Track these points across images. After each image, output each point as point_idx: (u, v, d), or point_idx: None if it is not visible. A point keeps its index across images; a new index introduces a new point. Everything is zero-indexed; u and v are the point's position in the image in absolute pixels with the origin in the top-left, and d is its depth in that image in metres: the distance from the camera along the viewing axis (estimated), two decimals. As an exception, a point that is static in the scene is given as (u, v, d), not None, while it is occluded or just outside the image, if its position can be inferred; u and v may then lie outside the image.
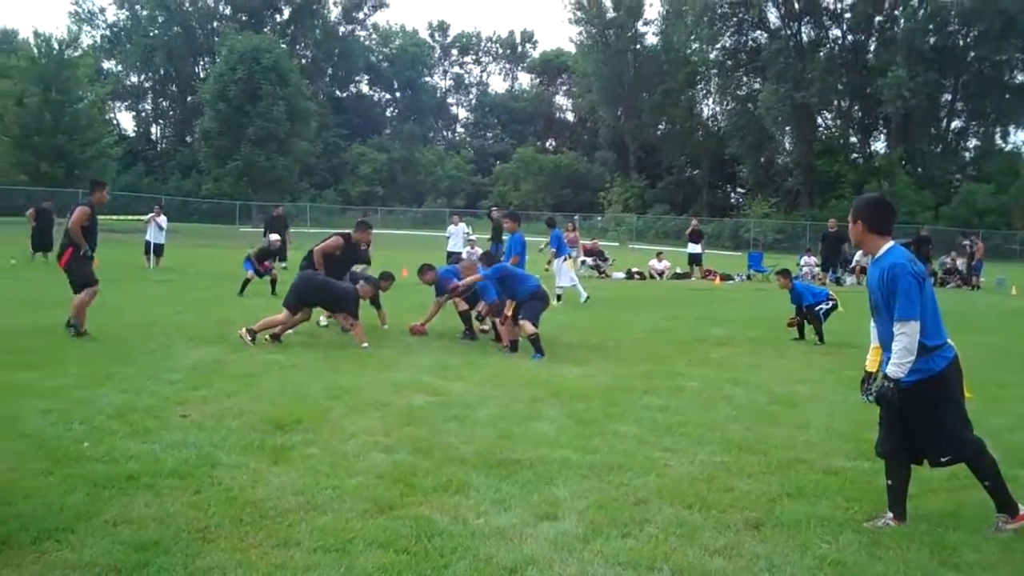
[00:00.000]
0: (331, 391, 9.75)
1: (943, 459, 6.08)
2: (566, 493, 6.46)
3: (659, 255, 36.13)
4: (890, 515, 6.05)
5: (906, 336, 5.73)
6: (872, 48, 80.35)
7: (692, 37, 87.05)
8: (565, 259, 23.60)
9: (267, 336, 13.35)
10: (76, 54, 69.39)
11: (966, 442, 5.97)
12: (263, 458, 7.07)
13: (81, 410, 8.39)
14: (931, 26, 74.67)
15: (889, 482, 6.12)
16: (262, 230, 32.03)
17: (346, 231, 15.61)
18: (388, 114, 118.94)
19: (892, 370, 5.79)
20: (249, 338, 13.01)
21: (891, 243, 6.03)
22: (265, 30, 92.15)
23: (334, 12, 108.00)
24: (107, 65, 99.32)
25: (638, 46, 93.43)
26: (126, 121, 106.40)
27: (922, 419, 5.94)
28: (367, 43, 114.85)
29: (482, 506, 6.13)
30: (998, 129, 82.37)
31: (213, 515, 5.72)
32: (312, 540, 5.36)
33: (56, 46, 65.83)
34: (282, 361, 11.69)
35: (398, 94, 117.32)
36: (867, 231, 6.07)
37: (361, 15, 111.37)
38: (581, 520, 5.92)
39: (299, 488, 6.35)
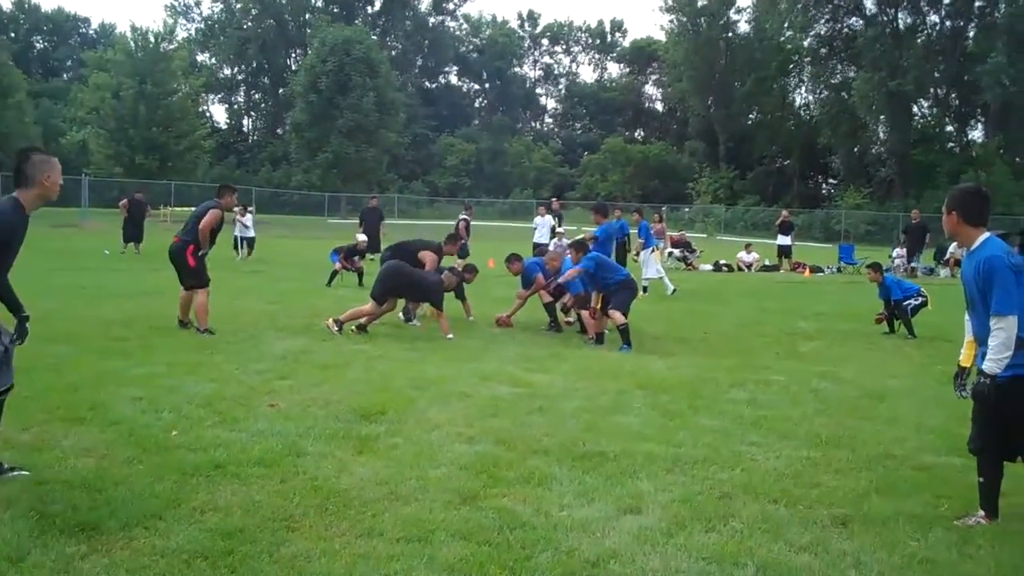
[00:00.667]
0: (416, 382, 9.80)
1: None
2: (650, 487, 6.43)
3: (748, 247, 35.79)
4: (981, 513, 5.92)
5: (1003, 331, 5.58)
6: (971, 34, 78.46)
7: (785, 24, 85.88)
8: (652, 250, 23.49)
9: (354, 327, 13.47)
10: (171, 47, 70.69)
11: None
12: (348, 448, 7.13)
13: (170, 398, 8.54)
14: (1033, 12, 72.82)
15: (981, 479, 5.98)
16: (357, 221, 32.31)
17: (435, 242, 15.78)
18: (477, 105, 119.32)
19: (988, 366, 5.65)
20: (336, 328, 13.14)
21: (987, 235, 5.87)
22: (356, 21, 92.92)
23: (424, 3, 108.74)
24: (201, 58, 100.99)
25: (730, 34, 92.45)
26: (219, 113, 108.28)
27: (1018, 416, 5.78)
28: (457, 33, 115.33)
29: (565, 499, 6.11)
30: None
31: (298, 504, 5.78)
32: (395, 530, 5.39)
33: (152, 39, 67.10)
34: (368, 352, 11.79)
35: (487, 85, 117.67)
36: (962, 222, 5.91)
37: (451, 5, 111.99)
38: (665, 514, 5.88)
39: (383, 478, 6.39)
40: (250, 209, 32.19)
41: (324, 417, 8.05)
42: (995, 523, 5.84)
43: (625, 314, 13.25)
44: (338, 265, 21.01)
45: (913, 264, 33.04)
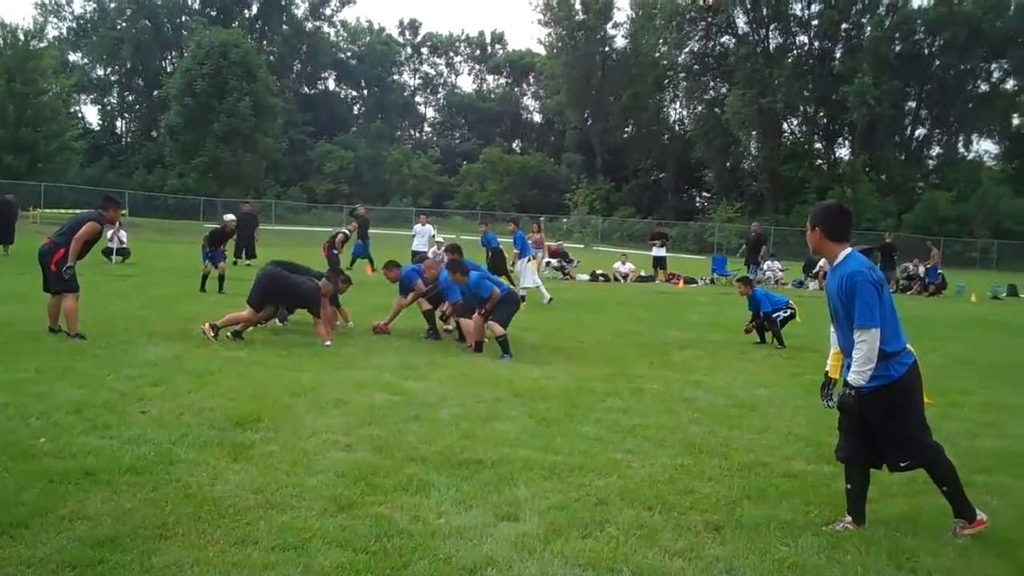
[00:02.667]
0: (292, 389, 9.70)
1: (902, 464, 6.12)
2: (527, 493, 6.47)
3: (624, 257, 36.20)
4: (849, 519, 6.08)
5: (866, 344, 5.75)
6: (838, 55, 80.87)
7: (660, 41, 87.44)
8: (529, 260, 23.63)
9: (229, 333, 13.28)
10: (41, 45, 68.70)
11: (925, 447, 6.01)
12: (222, 455, 7.03)
13: (38, 404, 8.32)
14: (897, 34, 75.35)
15: (848, 486, 6.15)
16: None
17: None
18: (355, 112, 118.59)
19: (853, 378, 5.83)
20: (212, 334, 12.95)
21: (849, 250, 6.04)
22: (234, 25, 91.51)
23: (302, 8, 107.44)
24: (73, 57, 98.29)
25: (606, 48, 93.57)
26: (91, 114, 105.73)
27: (882, 424, 5.97)
28: (335, 40, 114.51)
29: (442, 506, 6.12)
30: (961, 137, 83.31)
31: (170, 512, 5.68)
32: (270, 538, 5.33)
33: (21, 37, 65.15)
34: (243, 358, 11.63)
35: (365, 92, 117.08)
36: (825, 238, 6.08)
37: (329, 11, 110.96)
38: (542, 521, 5.92)
39: (258, 486, 6.31)
40: (124, 224, 31.44)
41: (198, 424, 7.92)
42: (862, 528, 6.00)
43: (504, 326, 13.31)
44: (207, 265, 20.47)
45: (751, 276, 33.45)
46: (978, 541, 5.90)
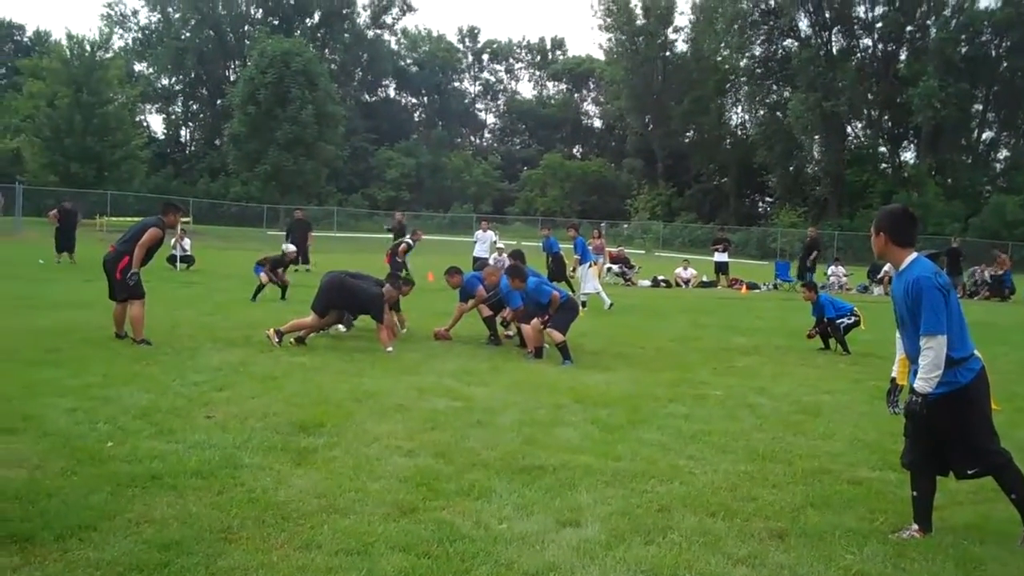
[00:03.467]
0: (355, 394, 9.76)
1: (970, 472, 6.02)
2: (589, 499, 6.45)
3: (686, 263, 36.05)
4: (915, 527, 6.00)
5: (933, 351, 5.68)
6: (903, 58, 80.00)
7: (722, 45, 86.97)
8: (590, 266, 23.58)
9: (292, 339, 13.39)
10: (108, 56, 69.68)
11: (993, 455, 5.91)
12: (286, 460, 7.08)
13: (106, 409, 8.45)
14: (963, 36, 74.36)
15: (915, 494, 6.07)
16: (284, 233, 32.19)
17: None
18: (416, 119, 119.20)
19: (920, 384, 5.75)
20: (276, 339, 13.06)
21: (915, 255, 5.97)
22: (296, 34, 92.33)
23: (363, 16, 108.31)
24: (138, 67, 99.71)
25: (667, 53, 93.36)
26: (156, 123, 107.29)
27: (949, 432, 5.89)
28: (396, 48, 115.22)
29: (504, 511, 6.11)
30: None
31: (235, 516, 5.74)
32: (333, 543, 5.36)
33: (88, 48, 66.13)
34: (307, 364, 11.72)
35: (426, 99, 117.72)
36: (890, 243, 6.00)
37: (389, 19, 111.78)
38: (604, 527, 5.90)
39: (321, 491, 6.35)
40: (187, 232, 31.82)
41: (262, 429, 7.99)
42: (929, 536, 5.93)
43: (564, 333, 13.30)
44: (263, 278, 20.57)
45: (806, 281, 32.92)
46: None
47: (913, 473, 6.10)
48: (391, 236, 31.98)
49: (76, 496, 5.95)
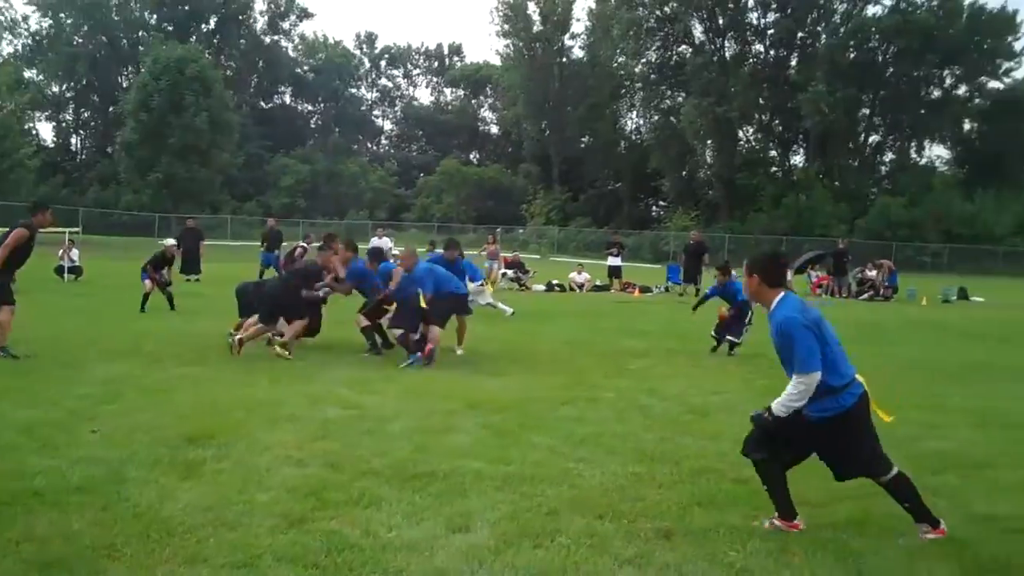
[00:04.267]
0: (246, 404, 9.67)
1: (853, 476, 6.22)
2: (479, 505, 6.50)
3: (580, 267, 36.28)
4: (776, 515, 6.23)
5: (804, 385, 5.92)
6: (794, 63, 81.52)
7: (618, 51, 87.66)
8: (481, 284, 23.45)
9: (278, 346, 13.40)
10: (-4, 62, 68.05)
11: (881, 464, 6.13)
12: (173, 474, 7.00)
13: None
14: (852, 42, 76.01)
15: (766, 487, 6.28)
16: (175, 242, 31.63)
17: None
18: (312, 125, 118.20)
19: (776, 407, 6.03)
20: (237, 348, 13.07)
21: (783, 294, 6.24)
22: (191, 40, 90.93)
23: (259, 22, 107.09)
24: (28, 74, 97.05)
25: (564, 60, 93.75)
26: (45, 131, 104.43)
27: (837, 449, 6.15)
28: (293, 54, 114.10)
29: (394, 519, 6.12)
30: (913, 143, 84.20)
31: (119, 532, 5.66)
32: (220, 556, 5.32)
33: (-24, 54, 64.53)
34: (198, 375, 11.57)
35: (322, 105, 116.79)
36: (762, 284, 6.31)
37: (287, 25, 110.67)
38: (493, 532, 5.95)
39: (209, 504, 6.30)
40: (76, 242, 31.07)
41: (149, 442, 7.87)
42: (796, 523, 6.16)
43: (442, 324, 13.38)
44: (148, 285, 20.06)
45: (695, 286, 33.14)
46: (927, 542, 5.99)
47: (758, 467, 6.33)
48: (262, 244, 31.70)
49: None
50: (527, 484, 7.05)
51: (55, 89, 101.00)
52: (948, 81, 79.60)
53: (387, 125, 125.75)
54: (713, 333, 16.31)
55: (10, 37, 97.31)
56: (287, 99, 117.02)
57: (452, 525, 6.06)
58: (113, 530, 5.68)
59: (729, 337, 15.97)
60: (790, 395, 5.96)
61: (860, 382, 6.17)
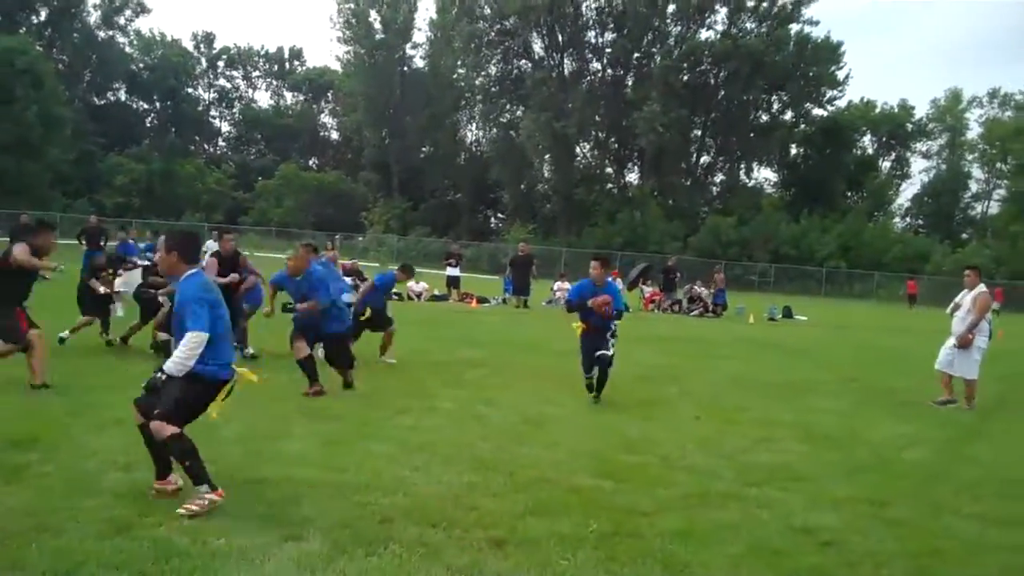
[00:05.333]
0: (73, 408, 9.39)
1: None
2: (312, 512, 6.46)
3: (416, 277, 36.24)
4: (205, 488, 6.47)
5: (195, 343, 6.56)
6: (630, 83, 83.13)
7: (459, 63, 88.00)
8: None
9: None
10: None
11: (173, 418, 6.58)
12: (-6, 477, 6.76)
13: None
14: (685, 64, 77.98)
15: (188, 462, 6.55)
16: (8, 239, 30.34)
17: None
18: (148, 124, 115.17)
19: (170, 367, 6.62)
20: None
21: (193, 270, 6.93)
22: (20, 31, 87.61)
23: (93, 16, 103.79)
24: None
25: (405, 68, 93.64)
26: None
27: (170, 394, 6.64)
28: (128, 50, 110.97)
29: (224, 526, 6.03)
30: (742, 165, 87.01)
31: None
32: (41, 563, 5.18)
33: None
34: (22, 376, 11.15)
35: (158, 104, 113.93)
36: (180, 260, 6.92)
37: (122, 20, 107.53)
38: (326, 539, 5.93)
39: (32, 509, 6.12)
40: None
41: (-34, 445, 7.58)
42: (639, 541, 6.25)
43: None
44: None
45: (524, 297, 33.51)
46: (750, 553, 6.20)
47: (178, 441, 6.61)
48: (81, 241, 30.63)
49: None
50: (361, 492, 7.04)
51: None
52: (776, 106, 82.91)
53: (224, 127, 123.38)
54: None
55: None
56: (122, 96, 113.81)
57: (284, 533, 6.00)
58: None
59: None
60: (182, 353, 6.55)
61: (233, 370, 6.91)
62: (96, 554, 5.35)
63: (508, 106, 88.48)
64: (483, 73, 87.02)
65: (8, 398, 9.79)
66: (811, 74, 79.10)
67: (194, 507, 6.24)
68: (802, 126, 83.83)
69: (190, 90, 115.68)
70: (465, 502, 6.92)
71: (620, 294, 14.39)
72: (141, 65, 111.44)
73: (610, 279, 14.01)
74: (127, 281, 17.03)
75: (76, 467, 7.14)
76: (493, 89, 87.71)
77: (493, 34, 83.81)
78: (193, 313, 6.57)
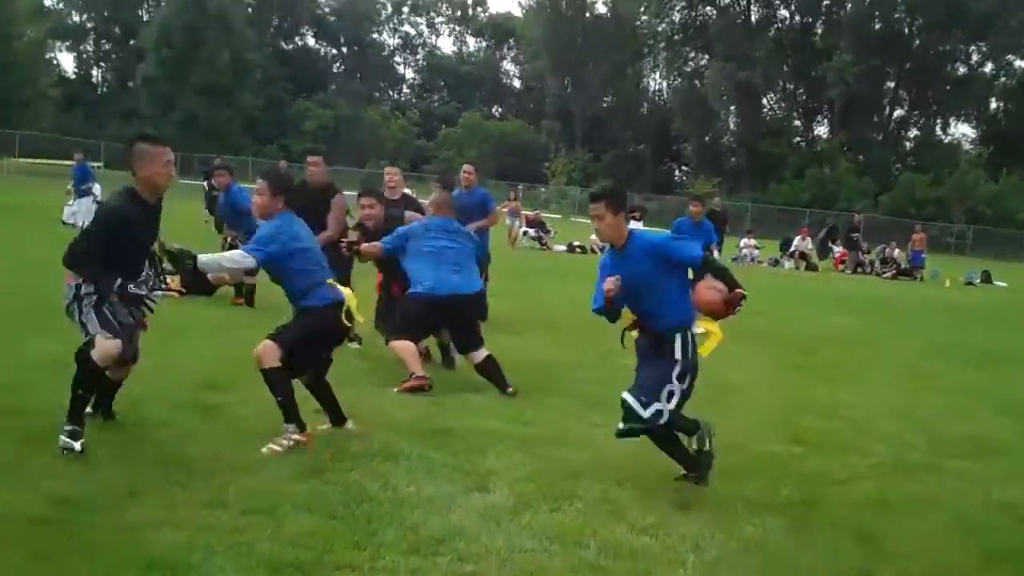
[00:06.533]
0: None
1: None
2: (497, 464, 6.50)
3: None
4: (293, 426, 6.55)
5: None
6: (819, 31, 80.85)
7: (642, 9, 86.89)
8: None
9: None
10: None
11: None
12: (194, 416, 7.03)
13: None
14: (877, 12, 75.36)
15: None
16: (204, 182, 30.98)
17: None
18: (334, 70, 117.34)
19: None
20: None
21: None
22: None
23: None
24: (48, 2, 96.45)
25: (588, 15, 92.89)
26: (67, 62, 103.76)
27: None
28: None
29: (413, 474, 6.13)
30: (938, 120, 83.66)
31: (140, 473, 5.68)
32: (239, 502, 5.33)
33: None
34: (216, 318, 11.54)
35: (344, 50, 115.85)
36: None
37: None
38: (511, 492, 5.95)
39: (228, 449, 6.32)
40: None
41: (169, 385, 7.86)
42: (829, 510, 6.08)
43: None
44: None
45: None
46: (946, 526, 6.01)
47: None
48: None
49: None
50: (546, 446, 7.05)
51: (76, 18, 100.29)
52: (975, 57, 78.98)
53: (409, 73, 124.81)
54: None
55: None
56: (309, 41, 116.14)
57: (470, 484, 6.07)
58: (135, 470, 5.72)
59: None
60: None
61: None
62: (290, 496, 5.49)
63: (692, 55, 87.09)
64: (666, 20, 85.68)
65: (200, 340, 10.18)
66: (1013, 23, 74.43)
67: (276, 447, 6.36)
68: (1003, 79, 79.61)
69: (375, 36, 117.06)
70: (650, 461, 6.83)
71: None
72: (327, 10, 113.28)
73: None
74: None
75: (271, 411, 7.30)
76: (676, 37, 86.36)
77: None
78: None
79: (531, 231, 34.10)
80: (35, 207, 27.94)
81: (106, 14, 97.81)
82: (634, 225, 34.32)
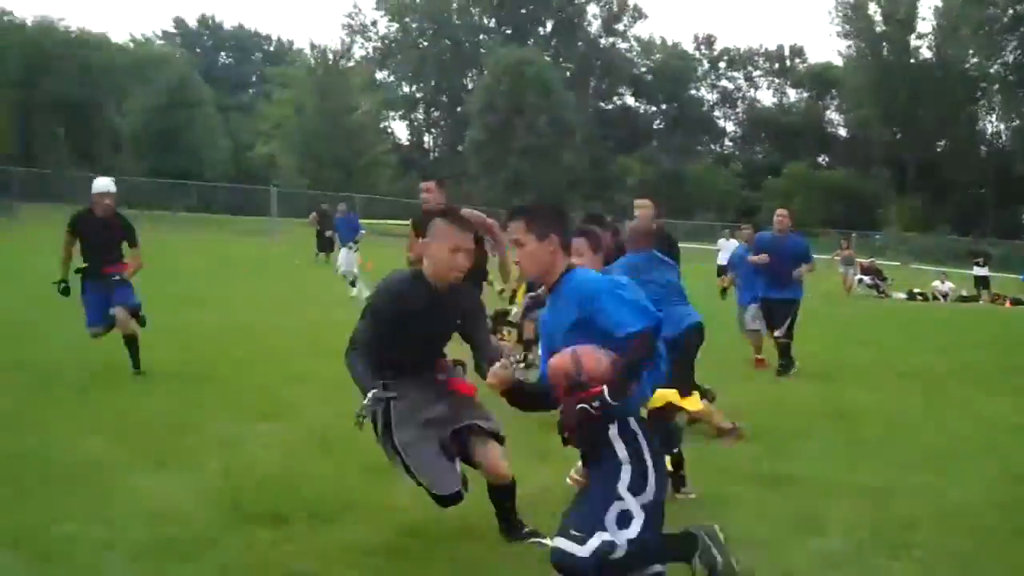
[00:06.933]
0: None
1: None
2: (832, 511, 6.30)
3: (943, 276, 34.85)
4: None
5: None
6: None
7: (970, 51, 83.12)
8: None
9: None
10: (350, 65, 72.32)
11: None
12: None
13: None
14: None
15: None
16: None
17: None
18: (654, 127, 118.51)
19: None
20: None
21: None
22: (529, 42, 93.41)
23: (595, 24, 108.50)
24: (379, 76, 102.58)
25: (912, 60, 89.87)
26: (400, 130, 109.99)
27: None
28: (629, 55, 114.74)
29: (746, 518, 6.03)
30: None
31: (475, 512, 5.67)
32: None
33: (331, 57, 68.86)
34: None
35: (663, 107, 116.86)
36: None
37: (621, 26, 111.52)
38: (848, 539, 5.79)
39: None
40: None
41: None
42: None
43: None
44: None
45: None
46: None
47: None
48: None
49: (327, 483, 6.26)
50: (883, 495, 6.77)
51: (406, 90, 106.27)
52: None
53: (729, 126, 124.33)
54: None
55: (361, 41, 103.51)
56: (628, 100, 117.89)
57: (805, 528, 5.93)
58: (471, 509, 5.69)
59: None
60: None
61: None
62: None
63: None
64: (998, 61, 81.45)
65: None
66: None
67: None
68: None
69: (693, 92, 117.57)
70: (1009, 515, 6.36)
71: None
72: (643, 69, 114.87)
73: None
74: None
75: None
76: (1010, 77, 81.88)
77: (1007, 19, 78.31)
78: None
79: (866, 279, 33.27)
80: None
81: (433, 84, 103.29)
82: (977, 271, 33.16)
